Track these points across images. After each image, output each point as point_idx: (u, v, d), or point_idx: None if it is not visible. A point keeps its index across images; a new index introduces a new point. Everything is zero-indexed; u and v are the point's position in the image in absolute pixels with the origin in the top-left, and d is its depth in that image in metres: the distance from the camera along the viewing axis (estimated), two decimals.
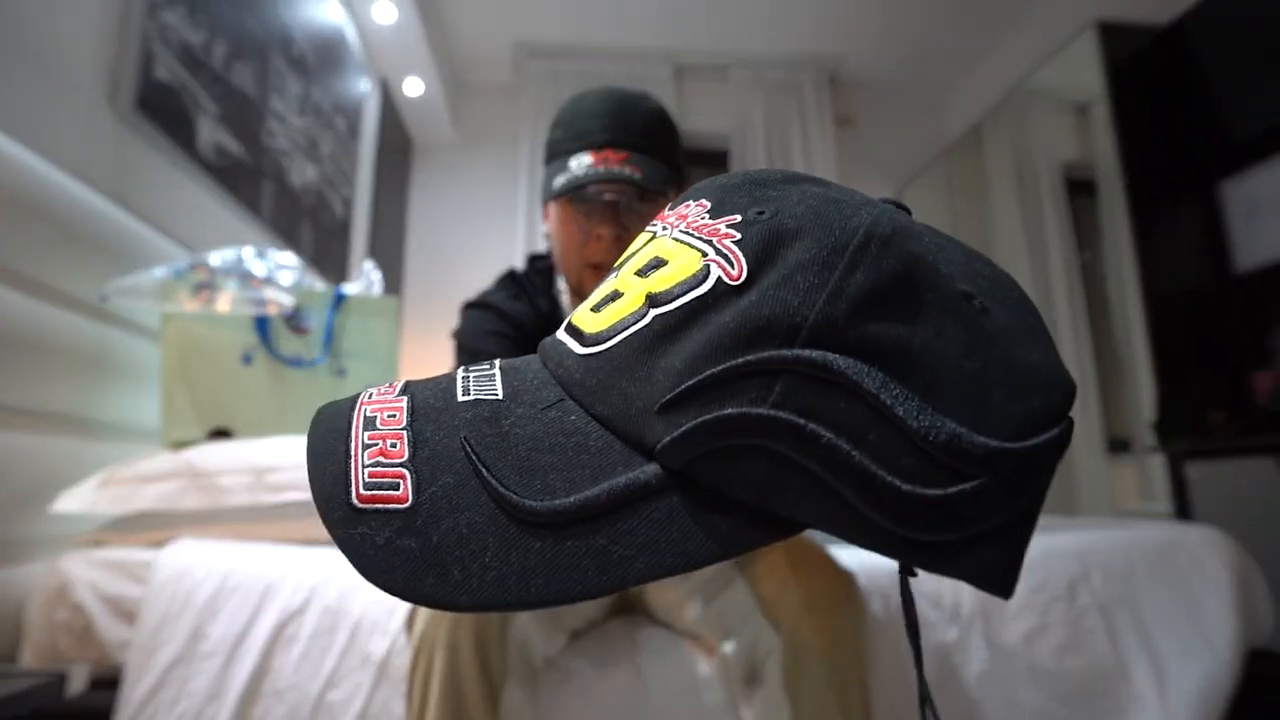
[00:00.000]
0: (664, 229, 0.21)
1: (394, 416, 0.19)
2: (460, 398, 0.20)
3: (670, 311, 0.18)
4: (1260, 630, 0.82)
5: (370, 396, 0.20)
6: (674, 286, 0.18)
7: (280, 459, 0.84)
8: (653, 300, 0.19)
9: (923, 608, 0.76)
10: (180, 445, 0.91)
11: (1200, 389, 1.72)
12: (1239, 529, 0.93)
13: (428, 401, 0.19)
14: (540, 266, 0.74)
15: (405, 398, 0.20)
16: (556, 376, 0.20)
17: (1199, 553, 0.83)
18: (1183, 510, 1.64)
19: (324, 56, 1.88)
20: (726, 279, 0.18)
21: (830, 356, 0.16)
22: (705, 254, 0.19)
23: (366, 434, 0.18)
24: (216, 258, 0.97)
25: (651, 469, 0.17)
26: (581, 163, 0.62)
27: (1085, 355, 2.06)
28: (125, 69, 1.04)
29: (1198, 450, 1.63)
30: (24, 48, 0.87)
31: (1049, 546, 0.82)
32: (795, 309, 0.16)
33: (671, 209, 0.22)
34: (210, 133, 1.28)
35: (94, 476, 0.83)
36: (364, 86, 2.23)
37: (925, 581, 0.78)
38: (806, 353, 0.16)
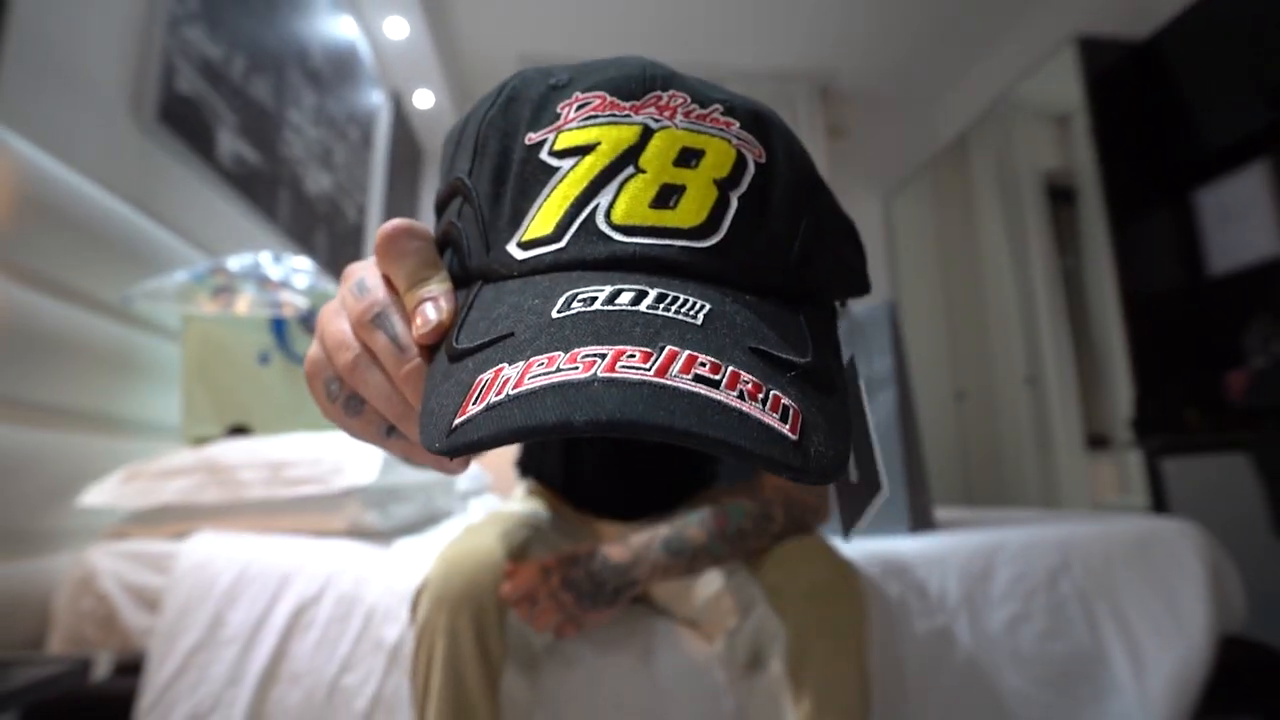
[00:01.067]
0: (655, 121, 0.21)
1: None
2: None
3: (746, 193, 0.21)
4: (1232, 618, 0.84)
5: (606, 359, 0.17)
6: (731, 172, 0.21)
7: (296, 454, 0.86)
8: (725, 185, 0.21)
9: (910, 597, 0.79)
10: (200, 441, 0.94)
11: (1176, 388, 1.75)
12: (1212, 522, 0.95)
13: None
14: None
15: (628, 347, 0.18)
16: (699, 275, 0.20)
17: (1174, 545, 0.85)
18: (1159, 504, 1.66)
19: (338, 70, 1.92)
20: (756, 160, 0.21)
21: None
22: (730, 141, 0.21)
23: (684, 379, 0.17)
24: (235, 262, 1.00)
25: (812, 307, 0.22)
26: None
27: (1066, 356, 2.11)
28: (148, 82, 1.07)
29: (1173, 447, 1.66)
30: (51, 62, 0.90)
31: (1031, 538, 0.84)
32: (810, 170, 0.23)
33: (636, 101, 0.21)
34: (229, 143, 1.31)
35: (118, 472, 0.86)
36: (376, 98, 2.28)
37: (915, 571, 0.81)
38: (833, 198, 0.24)
